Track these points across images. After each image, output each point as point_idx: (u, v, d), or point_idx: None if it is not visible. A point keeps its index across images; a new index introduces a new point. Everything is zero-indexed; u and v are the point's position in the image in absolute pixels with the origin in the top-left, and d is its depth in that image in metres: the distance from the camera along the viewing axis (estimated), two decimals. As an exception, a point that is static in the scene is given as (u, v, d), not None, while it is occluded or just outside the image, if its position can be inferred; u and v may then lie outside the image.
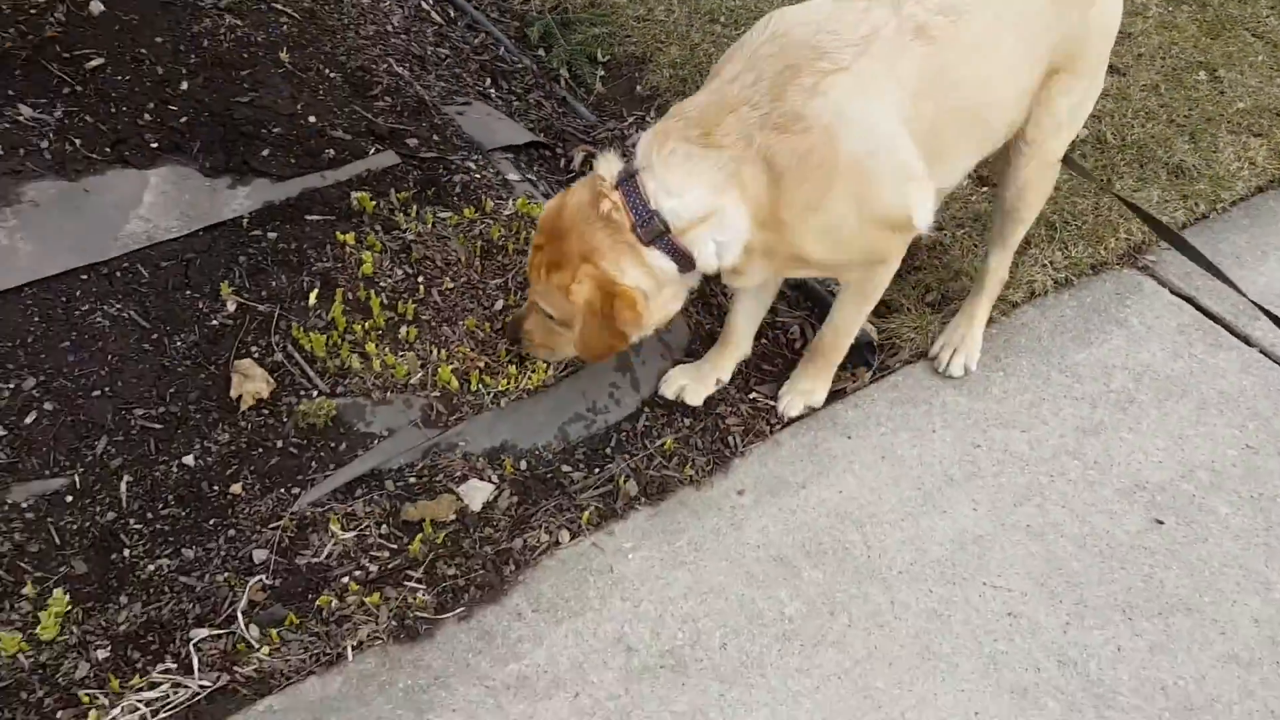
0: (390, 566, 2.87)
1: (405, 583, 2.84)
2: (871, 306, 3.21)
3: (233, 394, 3.06)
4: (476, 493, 3.01)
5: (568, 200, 2.84)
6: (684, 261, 2.79)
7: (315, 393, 3.12)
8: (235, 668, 2.62)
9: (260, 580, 2.79)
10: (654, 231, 2.74)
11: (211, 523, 2.88)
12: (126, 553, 2.78)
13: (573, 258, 2.80)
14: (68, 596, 2.63)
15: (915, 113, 2.71)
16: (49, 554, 2.72)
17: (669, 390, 3.38)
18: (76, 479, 2.85)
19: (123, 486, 2.87)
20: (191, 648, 2.63)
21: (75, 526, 2.78)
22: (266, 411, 3.05)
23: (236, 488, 2.94)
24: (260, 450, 3.01)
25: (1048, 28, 2.93)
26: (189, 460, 2.94)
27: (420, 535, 2.91)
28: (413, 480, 3.04)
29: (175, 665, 2.61)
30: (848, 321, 3.25)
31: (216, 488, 2.93)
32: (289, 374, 3.14)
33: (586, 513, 3.04)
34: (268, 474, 2.98)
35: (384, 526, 2.94)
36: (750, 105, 2.66)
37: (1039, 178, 3.30)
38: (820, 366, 3.37)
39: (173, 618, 2.71)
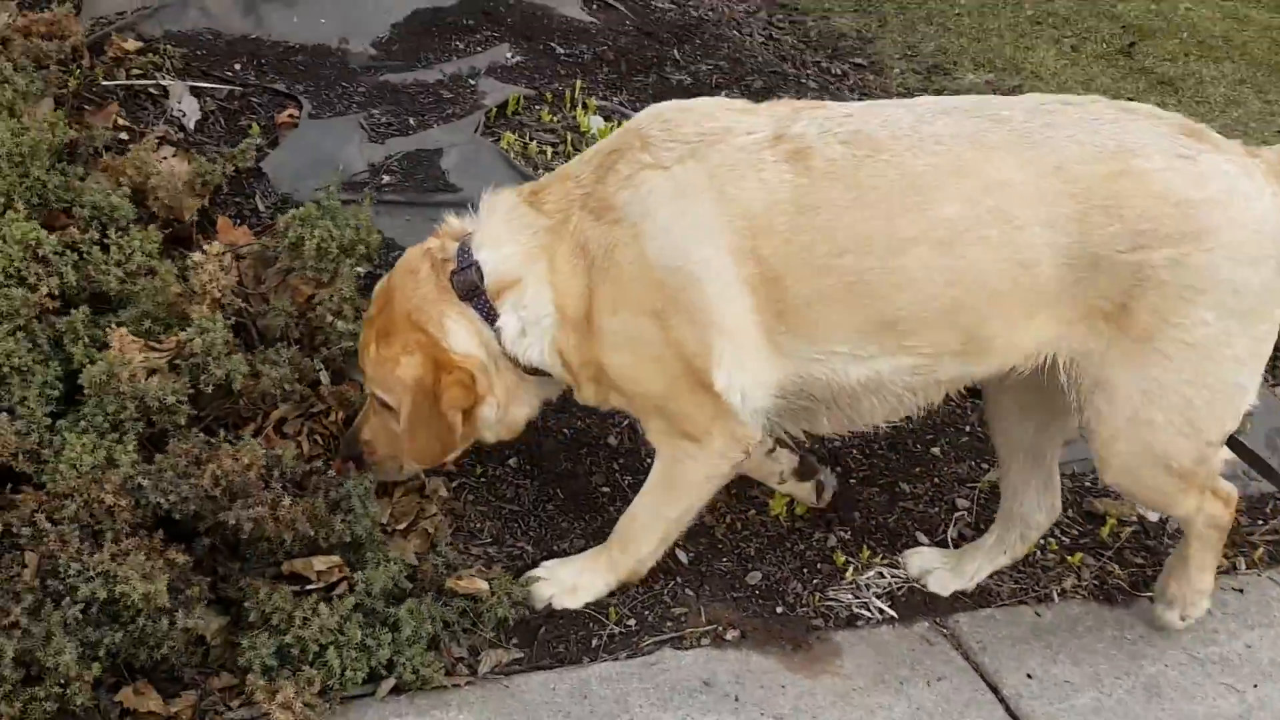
0: (1081, 541, 3.12)
1: (1099, 558, 3.07)
2: (675, 511, 2.64)
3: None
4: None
5: (403, 260, 2.62)
6: (498, 335, 2.49)
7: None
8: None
9: (962, 514, 3.14)
10: (468, 283, 2.47)
11: (917, 470, 3.28)
12: (852, 480, 3.24)
13: (399, 321, 2.51)
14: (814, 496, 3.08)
15: (753, 251, 2.26)
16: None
17: None
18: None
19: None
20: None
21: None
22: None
23: (935, 450, 3.35)
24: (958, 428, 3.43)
25: (1054, 231, 2.20)
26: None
27: (1106, 526, 3.15)
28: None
29: (888, 563, 3.00)
30: (644, 513, 2.66)
31: (919, 446, 3.35)
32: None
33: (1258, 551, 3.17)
34: (960, 446, 3.37)
35: (1070, 510, 3.21)
36: (576, 180, 2.44)
37: (1134, 482, 2.54)
38: (600, 561, 2.72)
39: (897, 527, 3.10)
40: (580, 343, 2.43)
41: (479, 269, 2.45)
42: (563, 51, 4.69)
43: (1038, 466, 2.78)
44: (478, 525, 2.91)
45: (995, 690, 2.64)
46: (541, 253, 2.42)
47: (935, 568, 2.91)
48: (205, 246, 2.80)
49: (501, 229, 2.47)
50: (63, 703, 2.19)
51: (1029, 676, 2.68)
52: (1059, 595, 2.95)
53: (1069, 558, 3.05)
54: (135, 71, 3.86)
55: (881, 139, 2.25)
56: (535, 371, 2.55)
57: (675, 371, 2.38)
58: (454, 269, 2.48)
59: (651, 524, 2.67)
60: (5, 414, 2.35)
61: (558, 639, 2.67)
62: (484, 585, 2.66)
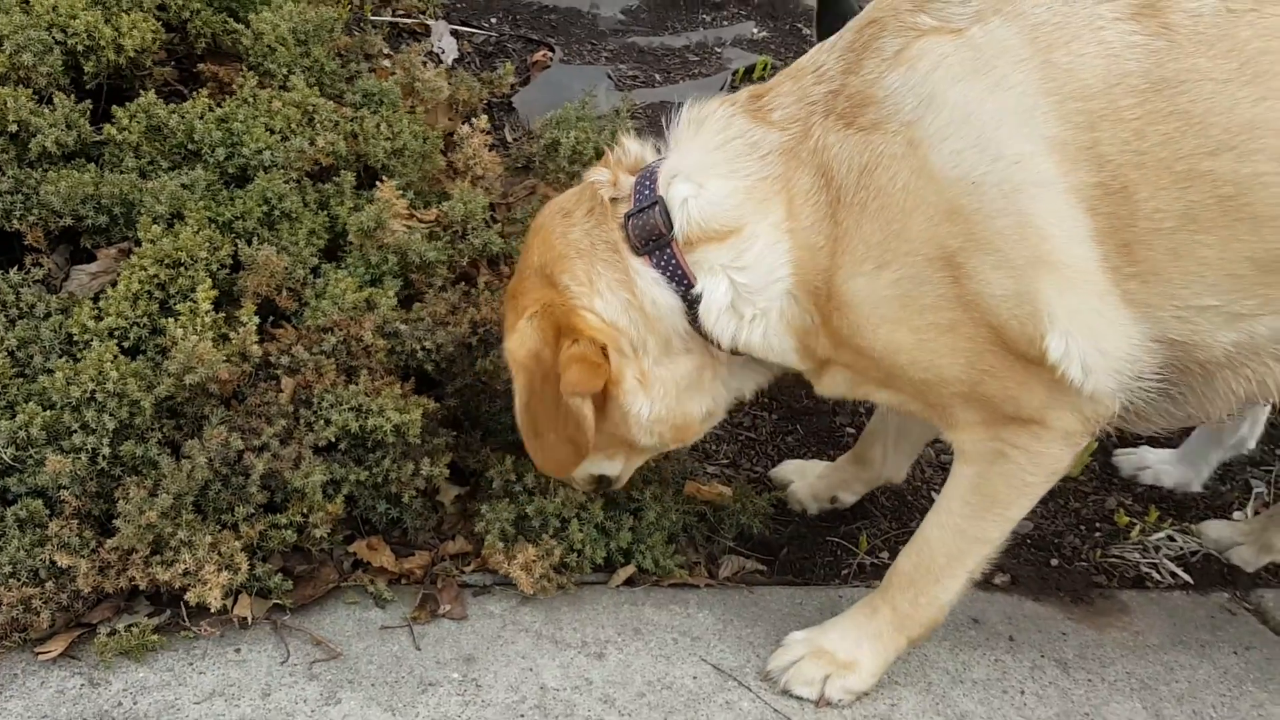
0: None
1: None
2: (998, 528, 1.88)
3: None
4: None
5: (555, 200, 2.03)
6: (690, 303, 1.83)
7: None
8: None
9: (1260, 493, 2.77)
10: (648, 231, 1.81)
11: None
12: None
13: (529, 276, 1.92)
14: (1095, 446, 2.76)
15: (1091, 148, 1.56)
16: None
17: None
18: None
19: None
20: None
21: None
22: None
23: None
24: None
25: None
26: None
27: None
28: None
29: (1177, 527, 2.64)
30: (946, 540, 1.91)
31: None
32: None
33: None
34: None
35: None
36: (818, 73, 1.75)
37: None
38: (882, 618, 2.00)
39: (1185, 500, 2.77)
40: (824, 316, 1.78)
41: (665, 209, 1.80)
42: (808, 32, 4.59)
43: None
44: (714, 448, 2.72)
45: (1318, 667, 2.25)
46: (774, 188, 1.73)
47: (1237, 543, 2.53)
48: (472, 121, 2.76)
49: (710, 154, 1.79)
50: (301, 537, 2.10)
51: (1361, 655, 2.29)
52: (1386, 583, 2.53)
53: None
54: (400, 11, 3.96)
55: None
56: (736, 353, 1.91)
57: (981, 343, 1.68)
58: (628, 210, 1.84)
59: (960, 554, 1.91)
60: (272, 249, 2.32)
61: (802, 560, 2.44)
62: (726, 491, 2.46)
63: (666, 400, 1.93)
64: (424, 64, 3.50)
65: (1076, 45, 1.55)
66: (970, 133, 1.58)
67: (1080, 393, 1.68)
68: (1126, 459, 2.76)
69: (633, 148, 1.94)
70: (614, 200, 1.88)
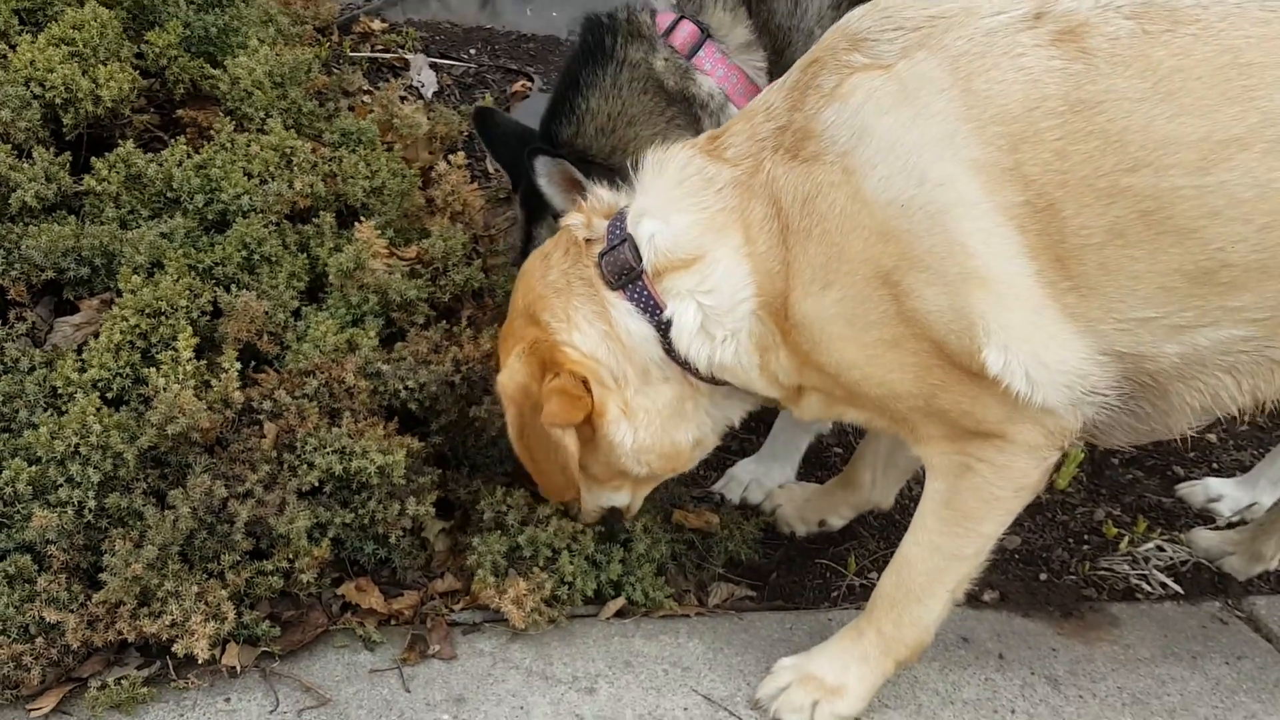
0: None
1: None
2: (972, 544, 1.90)
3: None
4: None
5: (540, 247, 2.14)
6: (664, 331, 1.90)
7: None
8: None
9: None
10: (620, 266, 1.90)
11: (1191, 455, 2.93)
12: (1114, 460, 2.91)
13: (516, 318, 2.05)
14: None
15: (1015, 169, 1.61)
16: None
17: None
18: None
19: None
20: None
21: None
22: None
23: (1212, 436, 2.98)
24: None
25: None
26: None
27: None
28: None
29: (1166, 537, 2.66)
30: (923, 558, 1.93)
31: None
32: None
33: None
34: (1239, 435, 3.00)
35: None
36: (767, 111, 1.85)
37: None
38: (868, 641, 2.01)
39: (1173, 508, 2.79)
40: (785, 338, 1.84)
41: (634, 246, 1.88)
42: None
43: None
44: (701, 473, 2.73)
45: (1311, 674, 2.26)
46: (731, 218, 1.81)
47: (1226, 552, 2.54)
48: (449, 158, 2.78)
49: (671, 192, 1.87)
50: (288, 582, 2.11)
51: (1353, 661, 2.29)
52: (1377, 585, 2.54)
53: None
54: (379, 46, 3.99)
55: (1183, 8, 1.61)
56: (715, 380, 1.97)
57: (926, 358, 1.73)
58: (601, 249, 1.93)
59: (938, 571, 1.93)
60: (253, 294, 2.34)
61: (792, 584, 2.45)
62: (714, 519, 2.47)
63: (651, 429, 2.00)
64: (402, 99, 3.53)
65: (996, 73, 1.63)
66: (897, 159, 1.66)
67: (1032, 405, 1.71)
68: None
69: (605, 195, 2.03)
70: (589, 241, 1.98)
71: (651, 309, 1.90)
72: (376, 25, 4.07)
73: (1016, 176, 1.61)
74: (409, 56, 3.92)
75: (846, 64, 1.74)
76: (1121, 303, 1.65)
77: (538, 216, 2.49)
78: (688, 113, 2.38)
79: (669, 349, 1.92)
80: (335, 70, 3.72)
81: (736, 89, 2.38)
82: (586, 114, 2.38)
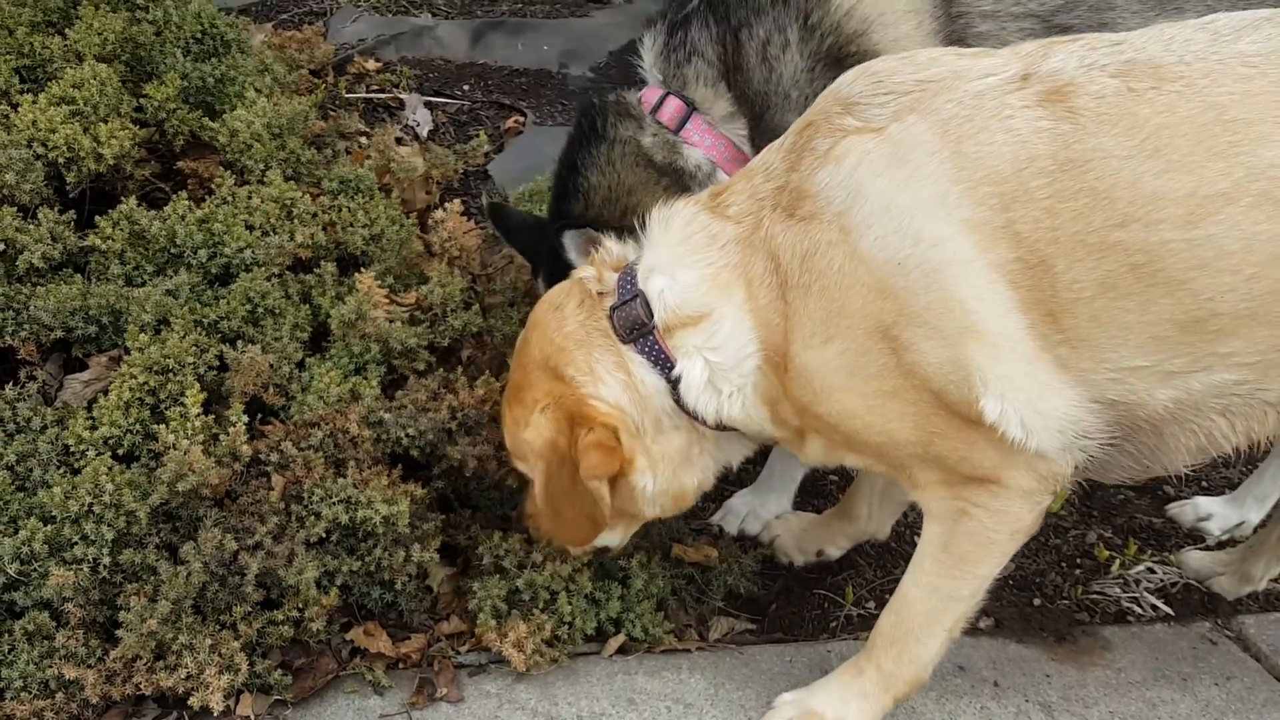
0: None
1: None
2: (969, 586, 1.96)
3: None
4: None
5: (546, 296, 2.16)
6: (674, 384, 1.98)
7: None
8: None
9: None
10: (632, 321, 1.97)
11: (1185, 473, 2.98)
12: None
13: (533, 370, 2.06)
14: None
15: (1007, 227, 1.67)
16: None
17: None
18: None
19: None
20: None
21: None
22: None
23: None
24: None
25: None
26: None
27: None
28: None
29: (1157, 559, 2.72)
30: (921, 599, 2.00)
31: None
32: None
33: None
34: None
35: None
36: (766, 171, 1.93)
37: None
38: (868, 678, 2.06)
39: (1164, 528, 2.84)
40: (788, 390, 1.91)
41: (645, 301, 1.96)
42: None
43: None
44: (700, 504, 2.78)
45: (1298, 693, 2.31)
46: (734, 274, 1.88)
47: (1216, 573, 2.59)
48: (445, 206, 2.84)
49: (677, 248, 1.95)
50: (298, 630, 2.16)
51: (1339, 679, 2.34)
52: (1365, 603, 2.59)
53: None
54: (374, 87, 4.06)
55: (1168, 65, 1.66)
56: (722, 427, 2.04)
57: (925, 407, 1.79)
58: (613, 303, 2.01)
59: (936, 612, 1.99)
60: (259, 348, 2.40)
61: (791, 616, 2.51)
62: (713, 553, 2.52)
63: (666, 474, 2.07)
64: (399, 141, 3.60)
65: (985, 135, 1.69)
66: (891, 220, 1.72)
67: (1026, 451, 1.77)
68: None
69: (614, 248, 2.11)
70: (600, 294, 2.05)
71: (663, 363, 1.97)
72: (371, 65, 4.14)
73: (1008, 234, 1.67)
74: (404, 96, 3.99)
75: (840, 127, 1.82)
76: (1113, 353, 1.70)
77: None
78: (678, 184, 2.47)
79: (678, 400, 1.99)
80: (332, 112, 3.79)
81: (724, 156, 2.46)
82: (590, 189, 2.49)
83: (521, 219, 2.77)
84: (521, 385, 2.07)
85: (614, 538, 2.24)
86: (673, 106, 2.46)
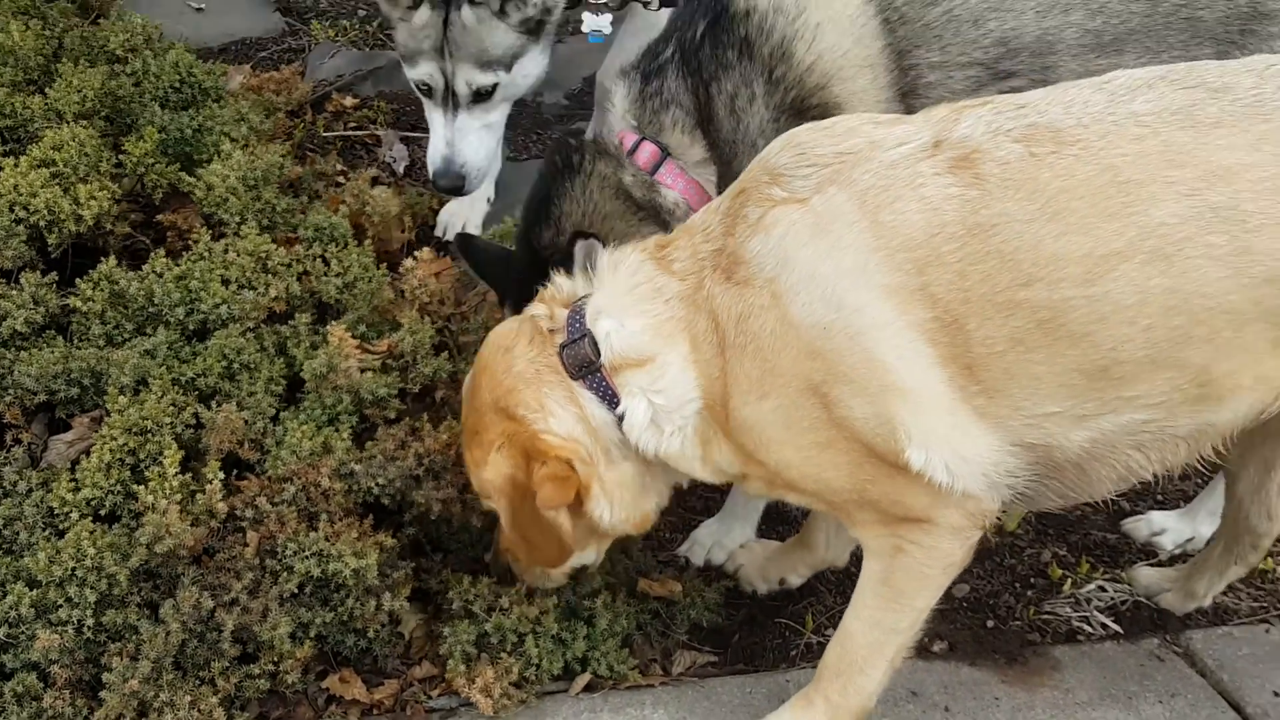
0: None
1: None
2: (906, 619, 2.08)
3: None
4: None
5: (493, 336, 2.26)
6: (620, 418, 2.08)
7: None
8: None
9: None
10: (580, 359, 2.08)
11: (1137, 487, 3.07)
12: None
13: (485, 412, 2.15)
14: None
15: (923, 290, 1.79)
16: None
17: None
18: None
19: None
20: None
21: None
22: None
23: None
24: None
25: None
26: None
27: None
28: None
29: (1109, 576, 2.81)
30: (863, 632, 2.11)
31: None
32: None
33: None
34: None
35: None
36: (705, 232, 2.05)
37: None
38: (816, 710, 2.18)
39: (1118, 544, 2.92)
40: (730, 437, 2.04)
41: (593, 341, 2.07)
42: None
43: (1270, 473, 2.43)
44: (667, 535, 2.88)
45: (1238, 709, 2.40)
46: (678, 327, 2.01)
47: (1164, 589, 2.68)
48: (415, 254, 2.94)
49: (624, 296, 2.07)
50: (274, 682, 2.27)
51: (1276, 695, 2.42)
52: (1307, 615, 2.67)
53: (1317, 576, 2.76)
54: (351, 124, 4.15)
55: (1067, 128, 1.78)
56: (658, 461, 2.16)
57: (857, 456, 1.92)
58: (563, 340, 2.12)
59: (878, 644, 2.11)
60: (234, 405, 2.50)
61: (753, 645, 2.60)
62: (677, 587, 2.62)
63: (624, 499, 2.18)
64: (375, 180, 3.69)
65: (899, 204, 1.81)
66: (817, 288, 1.85)
67: (954, 493, 1.89)
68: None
69: (564, 284, 2.22)
70: (551, 331, 2.15)
71: (609, 398, 2.08)
72: (348, 102, 4.23)
73: (925, 296, 1.79)
74: (380, 133, 4.08)
75: (768, 197, 1.95)
76: (1027, 401, 1.82)
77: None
78: (656, 219, 2.57)
79: (625, 436, 2.10)
80: (310, 153, 3.89)
81: (696, 199, 2.56)
82: (562, 216, 2.55)
83: (491, 250, 2.84)
84: (477, 428, 2.18)
85: (589, 555, 2.34)
86: (648, 151, 2.54)
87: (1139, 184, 1.73)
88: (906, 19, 2.36)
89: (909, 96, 2.39)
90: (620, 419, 2.07)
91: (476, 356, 2.27)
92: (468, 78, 3.19)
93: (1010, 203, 1.76)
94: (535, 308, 2.21)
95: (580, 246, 2.33)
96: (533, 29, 3.24)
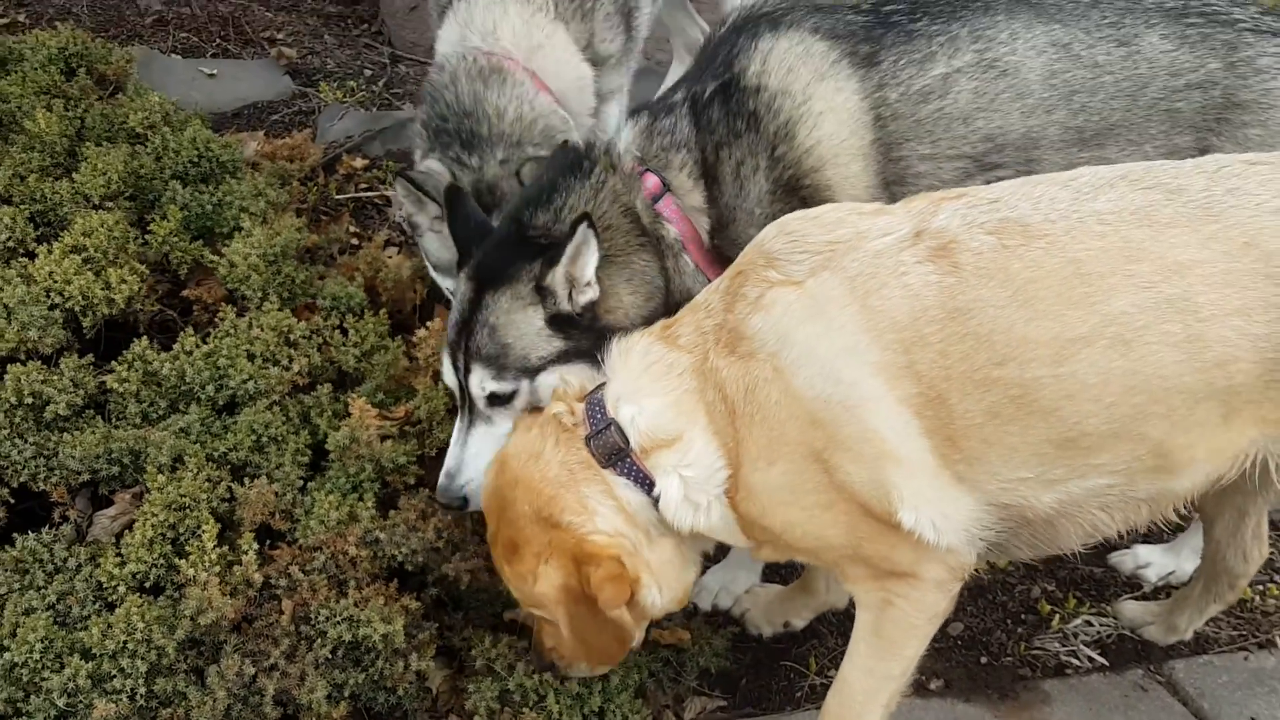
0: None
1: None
2: (899, 665, 2.24)
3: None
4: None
5: (512, 446, 2.35)
6: (655, 499, 2.20)
7: None
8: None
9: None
10: (610, 448, 2.19)
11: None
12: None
13: (524, 524, 2.24)
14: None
15: (909, 368, 1.98)
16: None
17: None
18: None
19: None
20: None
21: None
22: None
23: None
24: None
25: (1249, 320, 1.88)
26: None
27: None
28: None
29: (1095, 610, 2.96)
30: (859, 680, 2.28)
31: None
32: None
33: None
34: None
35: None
36: (707, 309, 2.21)
37: None
38: None
39: (1104, 577, 3.07)
40: (740, 504, 2.19)
41: (619, 428, 2.19)
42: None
43: (1244, 519, 2.60)
44: (678, 581, 3.03)
45: (1217, 736, 2.55)
46: (694, 400, 2.15)
47: (1147, 622, 2.84)
48: (428, 324, 3.10)
49: (640, 378, 2.20)
50: (315, 740, 2.43)
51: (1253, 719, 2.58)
52: (1284, 642, 2.82)
53: (1294, 604, 2.91)
54: (362, 185, 4.32)
55: (1034, 223, 1.96)
56: (696, 535, 2.29)
57: (854, 517, 2.09)
58: (587, 433, 2.23)
59: (873, 690, 2.26)
60: (265, 478, 2.67)
61: (760, 689, 2.76)
62: (685, 635, 2.77)
63: (667, 578, 2.31)
64: (387, 242, 3.86)
65: (886, 290, 2.01)
66: (815, 364, 2.04)
67: (939, 549, 2.08)
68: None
69: (575, 381, 2.38)
70: (574, 426, 2.27)
71: (642, 481, 2.20)
72: (358, 163, 4.40)
73: (911, 373, 1.98)
74: (390, 194, 4.25)
75: (765, 279, 2.12)
76: (1003, 467, 2.02)
77: (487, 286, 2.60)
78: (654, 248, 2.66)
79: (661, 516, 2.23)
80: (324, 216, 4.06)
81: (690, 240, 2.68)
82: (565, 209, 2.59)
83: (475, 216, 2.80)
84: (517, 541, 2.25)
85: (637, 639, 2.44)
86: (651, 182, 2.65)
87: (1100, 276, 1.92)
88: (899, 115, 2.54)
89: (895, 185, 2.57)
90: (656, 500, 2.20)
91: (497, 468, 2.34)
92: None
93: (984, 289, 1.95)
94: (555, 405, 2.32)
95: (581, 230, 2.39)
96: None
